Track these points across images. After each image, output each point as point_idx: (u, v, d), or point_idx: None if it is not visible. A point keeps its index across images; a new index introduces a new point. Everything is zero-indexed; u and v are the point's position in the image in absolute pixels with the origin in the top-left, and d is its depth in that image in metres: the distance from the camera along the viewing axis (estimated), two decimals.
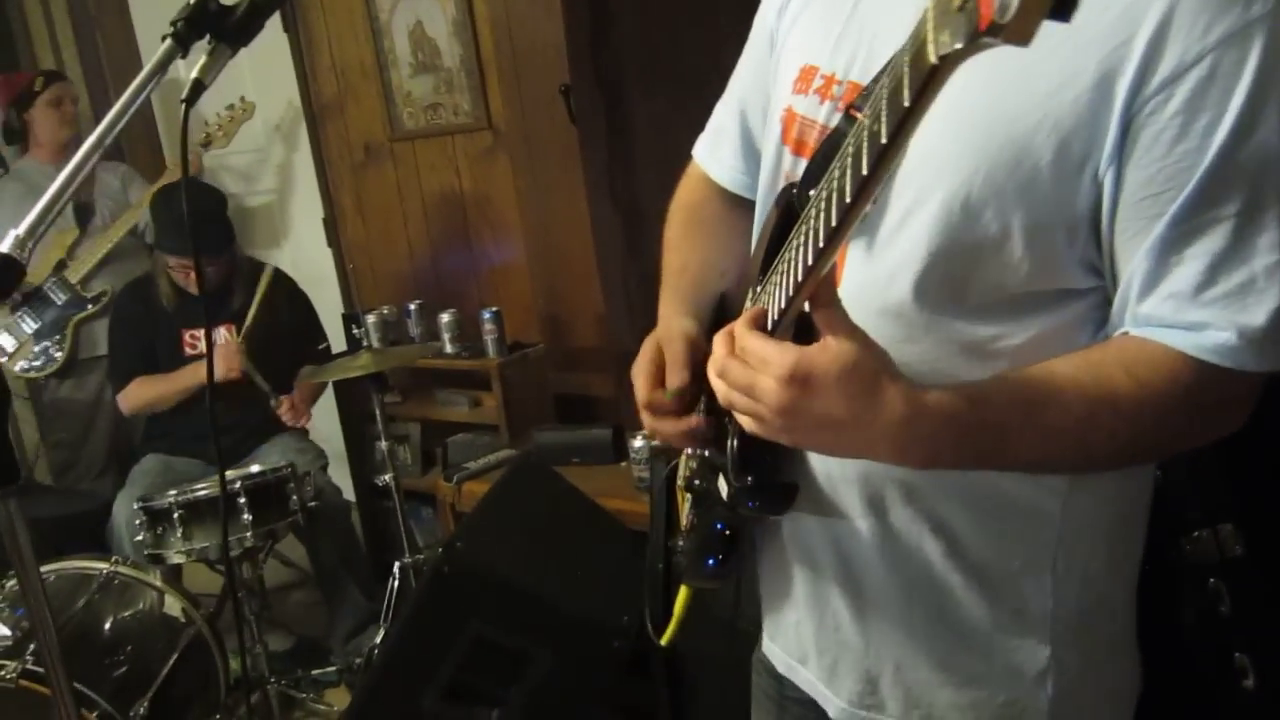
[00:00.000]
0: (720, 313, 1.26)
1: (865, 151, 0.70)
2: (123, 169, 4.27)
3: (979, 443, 0.88)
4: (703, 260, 1.31)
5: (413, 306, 3.78)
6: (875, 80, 0.94)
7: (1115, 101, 0.84)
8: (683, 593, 1.24)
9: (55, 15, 4.85)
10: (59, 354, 3.97)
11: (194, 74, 1.09)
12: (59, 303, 3.94)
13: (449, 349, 3.62)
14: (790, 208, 1.01)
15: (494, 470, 3.19)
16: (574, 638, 2.24)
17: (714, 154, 1.32)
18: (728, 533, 1.14)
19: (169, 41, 1.07)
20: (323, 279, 4.25)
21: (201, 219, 3.28)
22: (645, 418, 1.17)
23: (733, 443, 1.03)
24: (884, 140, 0.67)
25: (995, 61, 0.86)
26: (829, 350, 0.83)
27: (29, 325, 3.94)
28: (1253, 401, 0.89)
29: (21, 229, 0.92)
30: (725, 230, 1.33)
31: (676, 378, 1.13)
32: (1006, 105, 0.88)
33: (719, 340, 0.89)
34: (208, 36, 1.10)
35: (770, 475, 1.03)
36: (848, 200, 0.73)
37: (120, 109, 1.02)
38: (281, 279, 3.57)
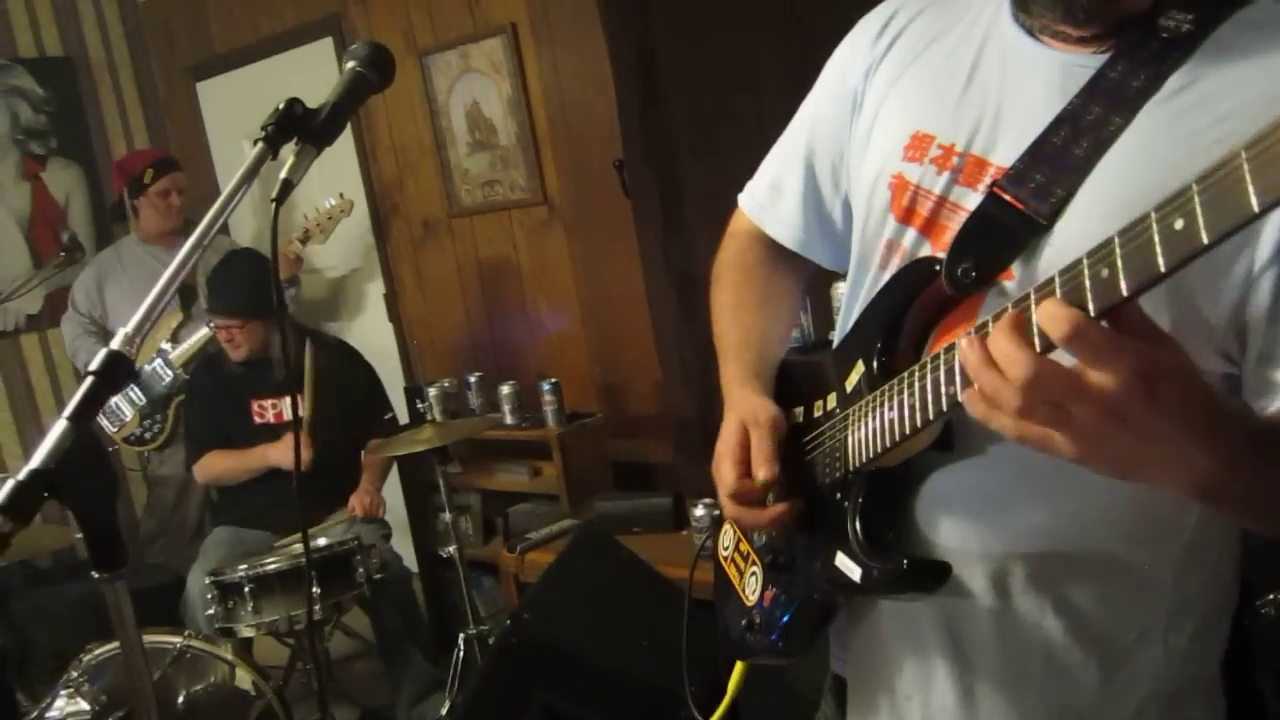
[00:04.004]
0: (782, 383, 1.24)
1: (1161, 248, 0.67)
2: (226, 243, 4.38)
3: (1271, 479, 0.81)
4: (763, 330, 1.28)
5: (473, 379, 3.85)
6: (1026, 164, 0.94)
7: None
8: (738, 669, 1.22)
9: (127, 103, 5.06)
10: (160, 430, 4.11)
11: (283, 174, 1.13)
12: (163, 383, 4.06)
13: (509, 420, 3.68)
14: (926, 282, 1.00)
15: (556, 540, 3.22)
16: (641, 708, 2.24)
17: (772, 210, 1.27)
18: (823, 609, 1.12)
19: (260, 145, 1.13)
20: (384, 353, 4.34)
21: (249, 282, 3.38)
22: (729, 505, 1.13)
23: (854, 525, 1.02)
24: (1205, 241, 0.65)
25: (1153, 146, 0.88)
26: (1178, 370, 0.73)
27: (138, 398, 4.09)
28: None
29: (130, 326, 0.98)
30: (781, 295, 1.31)
31: (766, 469, 1.09)
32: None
33: (1007, 339, 0.74)
34: (295, 139, 1.15)
35: (899, 553, 1.00)
36: (1124, 293, 0.70)
37: (215, 213, 1.07)
38: (345, 351, 3.66)
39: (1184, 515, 0.98)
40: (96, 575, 0.94)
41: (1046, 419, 0.74)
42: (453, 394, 3.85)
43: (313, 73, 4.28)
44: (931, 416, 0.91)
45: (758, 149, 1.32)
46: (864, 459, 1.02)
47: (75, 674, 2.63)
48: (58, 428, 0.92)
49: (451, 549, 3.15)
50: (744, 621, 1.20)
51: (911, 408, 0.93)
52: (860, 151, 1.14)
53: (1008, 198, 0.95)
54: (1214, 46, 0.90)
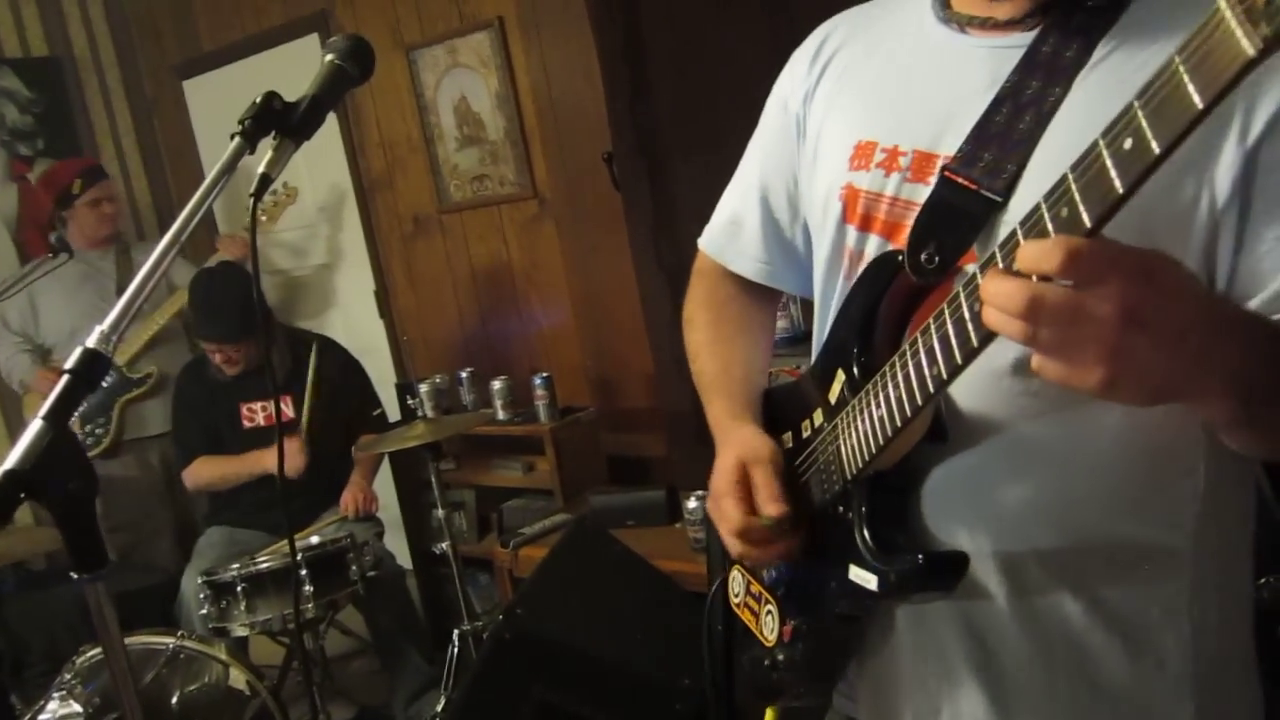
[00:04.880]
0: (767, 412, 1.22)
1: (1116, 171, 0.68)
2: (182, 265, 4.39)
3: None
4: (744, 360, 1.29)
5: (464, 375, 3.84)
6: (974, 145, 0.95)
7: (1231, 133, 0.85)
8: (769, 716, 1.20)
9: (114, 102, 5.04)
10: (103, 434, 4.06)
11: (260, 169, 1.13)
12: (105, 384, 4.03)
13: (501, 415, 3.67)
14: (891, 277, 1.00)
15: (550, 535, 3.21)
16: (636, 701, 2.24)
17: (733, 246, 1.29)
18: (844, 635, 1.09)
19: (237, 140, 1.12)
20: (375, 350, 4.33)
21: (237, 304, 3.36)
22: (734, 544, 1.11)
23: (863, 533, 0.99)
24: (1157, 152, 0.66)
25: (1094, 109, 0.88)
26: (1169, 255, 0.73)
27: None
28: None
29: (106, 324, 0.97)
30: (755, 327, 1.32)
31: (775, 506, 1.07)
32: None
33: (998, 278, 0.74)
34: (273, 133, 1.14)
35: (913, 552, 0.97)
36: (1088, 225, 0.71)
37: (194, 207, 1.06)
38: (330, 348, 3.64)
39: (1191, 482, 0.97)
40: (75, 576, 0.93)
41: (1065, 345, 0.73)
42: (444, 390, 3.84)
43: (300, 69, 4.20)
44: (920, 402, 0.90)
45: (746, 140, 1.32)
46: (859, 465, 1.01)
47: (68, 676, 2.63)
48: (33, 428, 0.91)
49: (445, 545, 3.14)
50: (767, 663, 1.17)
51: (898, 399, 0.92)
52: (809, 174, 1.15)
53: (960, 180, 0.95)
54: (1139, 8, 0.91)
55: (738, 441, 1.15)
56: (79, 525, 0.94)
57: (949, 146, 0.98)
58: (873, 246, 1.06)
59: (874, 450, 0.98)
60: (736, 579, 1.25)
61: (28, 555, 4.20)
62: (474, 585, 3.82)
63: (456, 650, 3.13)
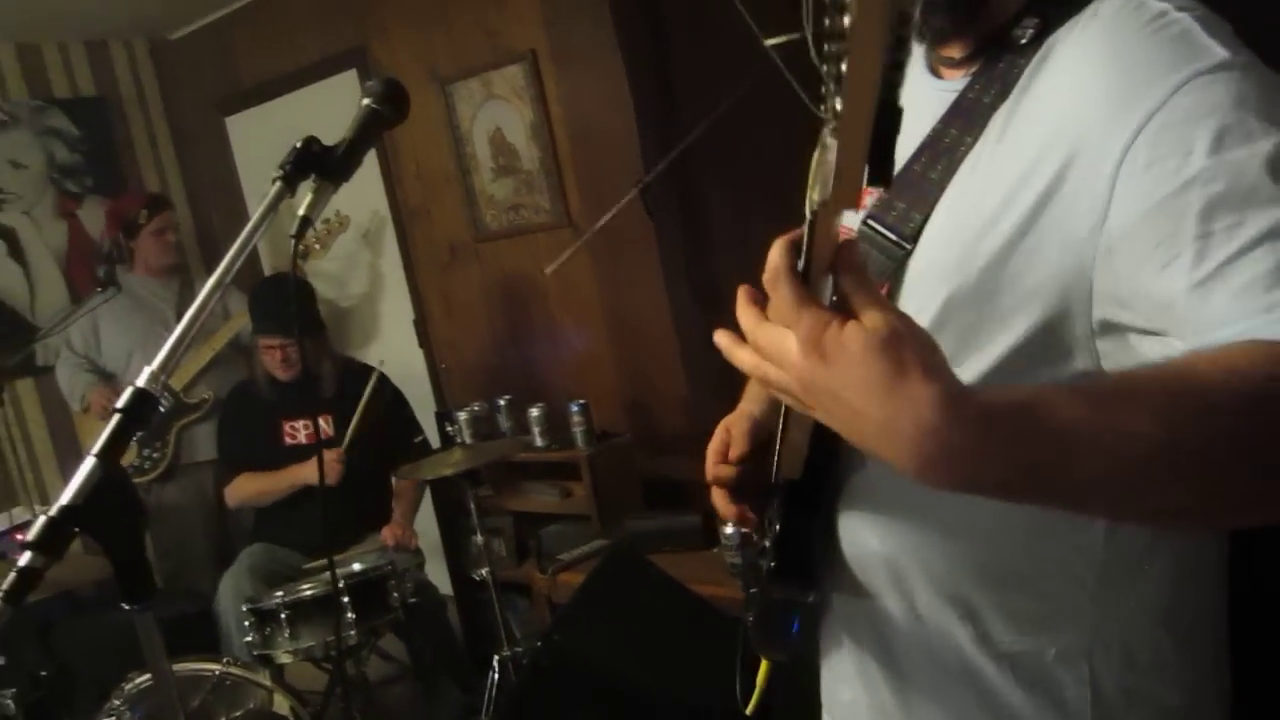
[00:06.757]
0: None
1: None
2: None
3: (1034, 456, 0.69)
4: None
5: (502, 402, 3.88)
6: (891, 193, 0.99)
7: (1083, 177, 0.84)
8: (763, 663, 1.25)
9: (159, 139, 5.16)
10: (159, 458, 4.15)
11: (300, 211, 1.17)
12: (162, 409, 4.11)
13: (539, 442, 3.71)
14: None
15: (588, 560, 3.24)
16: None
17: None
18: (781, 608, 1.15)
19: (278, 184, 1.16)
20: (415, 378, 4.37)
21: (300, 304, 3.48)
22: (714, 494, 1.19)
23: (774, 525, 1.06)
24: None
25: (985, 160, 0.92)
26: (853, 324, 0.68)
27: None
28: None
29: (155, 364, 1.01)
30: None
31: (737, 450, 1.16)
32: (987, 206, 0.91)
33: (748, 293, 0.76)
34: (312, 176, 1.18)
35: (803, 558, 1.05)
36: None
37: (238, 249, 1.11)
38: (385, 380, 3.72)
39: (1087, 538, 0.95)
40: (125, 606, 0.97)
41: (779, 388, 0.75)
42: (482, 417, 3.88)
43: (339, 104, 4.34)
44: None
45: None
46: (777, 461, 1.09)
47: (117, 702, 2.68)
48: (86, 464, 0.95)
49: (484, 571, 3.17)
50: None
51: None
52: None
53: (874, 226, 1.00)
54: (1053, 48, 0.91)
55: (738, 409, 1.24)
56: (129, 558, 0.97)
57: None
58: None
59: (776, 459, 1.07)
60: None
61: (76, 583, 4.26)
62: (513, 611, 3.84)
63: (496, 676, 3.15)
